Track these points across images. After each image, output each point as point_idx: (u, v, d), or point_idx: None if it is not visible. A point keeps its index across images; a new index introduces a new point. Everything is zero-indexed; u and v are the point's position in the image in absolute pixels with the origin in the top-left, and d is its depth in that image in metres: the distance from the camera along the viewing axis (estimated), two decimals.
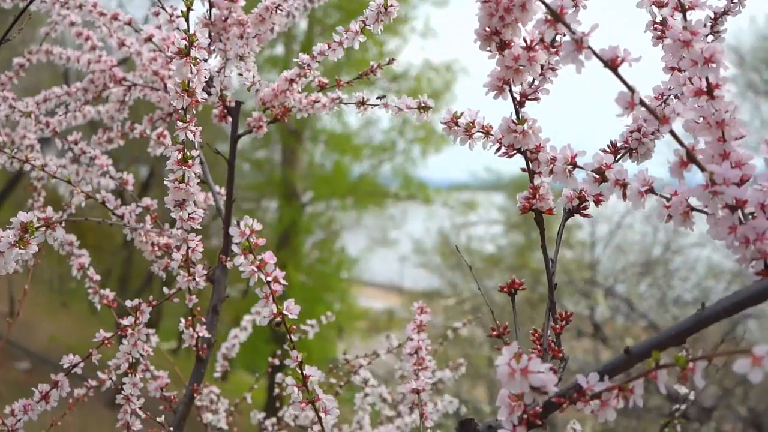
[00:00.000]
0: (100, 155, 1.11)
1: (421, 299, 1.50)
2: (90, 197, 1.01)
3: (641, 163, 0.71)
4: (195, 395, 1.00)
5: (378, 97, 0.93)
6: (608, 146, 0.70)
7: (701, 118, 0.54)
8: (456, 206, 11.15)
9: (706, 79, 0.54)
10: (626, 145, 0.69)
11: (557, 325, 0.64)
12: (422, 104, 0.85)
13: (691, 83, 0.56)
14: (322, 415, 0.65)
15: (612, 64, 0.51)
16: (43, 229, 0.67)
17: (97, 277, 1.11)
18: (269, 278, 0.63)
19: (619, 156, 0.69)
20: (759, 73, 9.19)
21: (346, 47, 0.90)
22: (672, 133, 0.51)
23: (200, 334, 0.98)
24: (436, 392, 1.81)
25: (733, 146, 0.54)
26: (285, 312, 0.63)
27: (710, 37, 0.72)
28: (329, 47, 0.91)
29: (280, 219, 11.13)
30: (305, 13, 1.13)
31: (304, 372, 0.65)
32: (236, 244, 0.61)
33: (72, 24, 1.21)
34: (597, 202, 0.68)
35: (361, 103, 0.96)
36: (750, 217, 0.52)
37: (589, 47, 0.51)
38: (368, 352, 1.34)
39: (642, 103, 0.51)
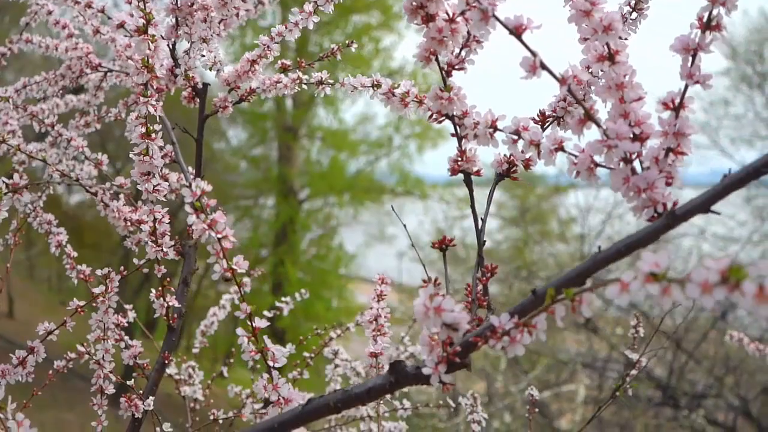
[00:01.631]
0: (76, 137, 1.16)
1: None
2: (65, 175, 1.06)
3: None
4: (166, 362, 1.05)
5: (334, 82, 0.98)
6: (537, 115, 0.75)
7: (603, 82, 0.60)
8: (452, 202, 11.20)
9: (607, 45, 0.59)
10: (554, 114, 0.75)
11: (484, 277, 0.70)
12: (375, 83, 0.90)
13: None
14: (270, 363, 0.70)
15: (517, 31, 0.56)
16: (10, 194, 0.72)
17: (75, 254, 1.16)
18: (220, 236, 0.68)
19: (547, 123, 0.75)
20: (752, 65, 9.23)
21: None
22: (570, 92, 0.57)
23: (170, 304, 1.04)
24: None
25: (633, 107, 0.59)
26: (234, 266, 0.69)
27: (634, 14, 0.78)
28: (286, 28, 0.97)
29: (277, 216, 11.18)
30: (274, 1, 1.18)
31: (254, 324, 0.71)
32: (188, 203, 0.67)
33: (49, 13, 1.26)
34: (526, 167, 0.73)
35: (320, 83, 1.01)
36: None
37: (494, 16, 0.56)
38: (340, 328, 1.40)
39: (542, 65, 0.56)
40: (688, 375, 6.27)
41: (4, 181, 0.71)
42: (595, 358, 6.56)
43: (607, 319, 7.22)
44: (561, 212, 9.80)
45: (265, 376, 0.71)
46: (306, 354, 1.36)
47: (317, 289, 10.65)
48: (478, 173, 0.71)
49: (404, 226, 0.87)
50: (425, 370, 0.60)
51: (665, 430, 6.14)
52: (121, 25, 1.11)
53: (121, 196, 1.10)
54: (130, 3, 1.14)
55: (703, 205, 0.53)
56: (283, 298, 1.45)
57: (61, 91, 1.26)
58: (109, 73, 1.26)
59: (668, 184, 0.57)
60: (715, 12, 0.57)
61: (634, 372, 1.11)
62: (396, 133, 12.31)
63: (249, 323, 0.71)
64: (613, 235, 7.42)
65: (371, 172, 12.39)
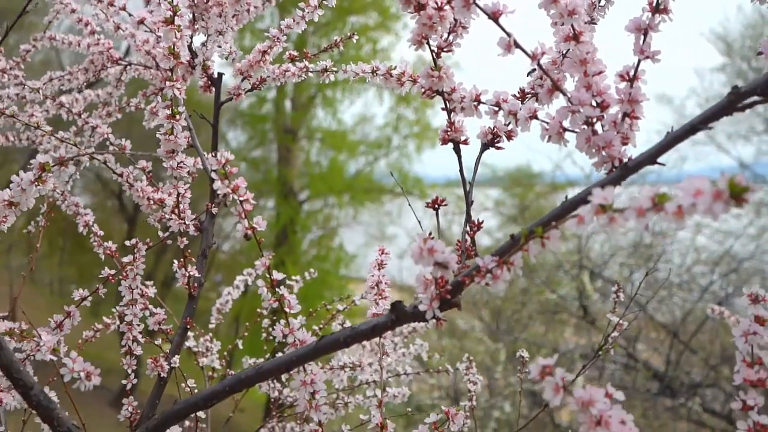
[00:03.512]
0: (101, 125, 1.26)
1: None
2: (93, 158, 1.16)
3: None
4: (188, 327, 1.15)
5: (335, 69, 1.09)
6: (518, 91, 0.85)
7: (569, 59, 0.70)
8: (452, 201, 11.29)
9: (572, 27, 0.70)
10: (532, 91, 0.85)
11: (472, 231, 0.80)
12: (375, 68, 1.00)
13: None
14: (287, 309, 0.81)
15: (494, 15, 0.67)
16: (57, 167, 0.83)
17: (101, 233, 1.26)
18: (242, 198, 0.78)
19: (526, 99, 0.85)
20: (747, 61, 9.32)
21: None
22: (540, 67, 0.67)
23: (191, 274, 1.14)
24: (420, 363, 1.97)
25: (595, 79, 0.70)
26: (255, 225, 0.79)
27: (603, 1, 0.88)
28: (294, 20, 1.07)
29: (277, 217, 11.28)
30: None
31: (272, 276, 0.81)
32: (214, 171, 0.77)
33: (73, 11, 1.37)
34: (509, 137, 0.84)
35: (325, 70, 1.12)
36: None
37: (475, 3, 0.66)
38: (346, 300, 1.50)
39: (516, 44, 0.66)
40: (684, 365, 6.37)
41: (51, 155, 0.81)
42: (594, 350, 6.66)
43: (605, 312, 7.33)
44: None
45: (283, 321, 0.81)
46: (315, 327, 1.46)
47: (318, 289, 10.73)
48: (465, 142, 0.81)
49: (419, 222, 0.93)
50: (421, 307, 0.70)
51: (663, 419, 6.25)
52: (142, 21, 1.22)
53: (143, 177, 1.21)
54: (149, 2, 1.25)
55: (651, 158, 0.63)
56: (293, 277, 1.56)
57: (84, 84, 1.37)
58: (128, 67, 1.36)
59: (624, 143, 0.68)
60: None
61: (615, 334, 1.21)
62: (395, 133, 12.42)
63: (268, 276, 0.81)
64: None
65: (370, 173, 12.49)
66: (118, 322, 1.24)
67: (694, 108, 9.23)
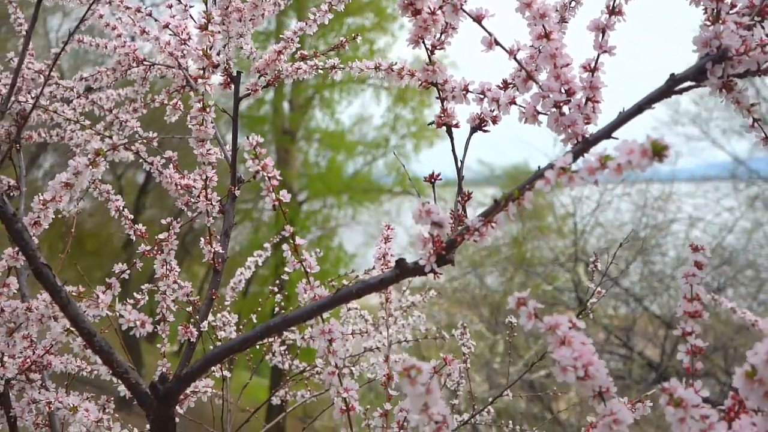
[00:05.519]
0: (131, 119, 1.40)
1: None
2: (127, 149, 1.30)
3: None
4: (213, 297, 1.30)
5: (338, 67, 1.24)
6: (501, 82, 1.00)
7: (540, 53, 0.85)
8: (450, 200, 11.43)
9: (543, 27, 0.84)
10: (513, 82, 0.99)
11: (462, 200, 0.95)
12: (377, 65, 1.14)
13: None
14: (308, 269, 0.95)
15: (478, 18, 0.81)
16: (111, 151, 0.97)
17: (131, 216, 1.40)
18: (270, 175, 0.93)
19: (508, 88, 0.99)
20: None
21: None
22: (516, 60, 0.81)
23: (216, 250, 1.28)
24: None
25: (563, 71, 0.84)
26: (281, 197, 0.93)
27: (573, 3, 1.03)
28: (306, 24, 1.22)
29: (277, 218, 11.42)
30: (290, 1, 1.43)
31: (295, 241, 0.95)
32: (246, 151, 0.91)
33: (101, 16, 1.51)
34: (494, 122, 0.98)
35: (333, 68, 1.26)
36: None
37: (462, 9, 0.81)
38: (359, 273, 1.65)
39: (497, 42, 0.81)
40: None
41: (105, 142, 0.96)
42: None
43: (603, 307, 7.49)
44: (557, 209, 10.04)
45: (304, 280, 0.95)
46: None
47: None
48: (456, 125, 0.95)
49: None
50: (421, 262, 0.85)
51: (659, 409, 6.39)
52: (166, 26, 1.37)
53: (170, 165, 1.35)
54: (171, 7, 1.39)
55: (606, 133, 0.78)
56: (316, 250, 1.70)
57: (112, 83, 1.51)
58: (152, 67, 1.50)
59: (587, 123, 0.82)
60: (618, 2, 0.82)
61: (593, 300, 1.35)
62: (392, 133, 12.57)
63: (292, 241, 0.95)
64: (604, 221, 7.67)
65: (368, 173, 12.63)
66: (147, 298, 1.38)
67: (689, 103, 9.38)
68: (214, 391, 1.60)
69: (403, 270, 0.88)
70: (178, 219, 1.23)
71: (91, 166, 0.98)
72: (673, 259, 7.84)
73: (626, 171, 0.62)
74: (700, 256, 0.83)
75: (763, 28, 0.77)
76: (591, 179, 0.65)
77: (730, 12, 0.77)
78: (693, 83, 0.76)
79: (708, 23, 0.75)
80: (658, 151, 0.58)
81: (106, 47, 1.55)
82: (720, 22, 0.74)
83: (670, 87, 0.75)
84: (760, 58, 0.74)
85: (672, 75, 0.75)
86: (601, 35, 0.83)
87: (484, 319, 7.98)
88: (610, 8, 0.83)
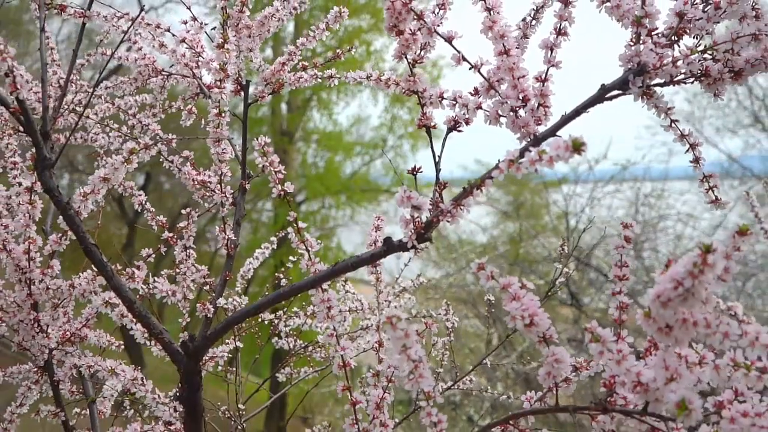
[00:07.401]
0: (152, 123, 1.59)
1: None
2: (148, 148, 1.48)
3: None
4: (227, 279, 1.48)
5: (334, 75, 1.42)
6: (473, 89, 1.18)
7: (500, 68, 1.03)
8: (448, 199, 11.57)
9: (503, 45, 1.02)
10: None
11: (440, 188, 1.13)
12: (369, 74, 1.33)
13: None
14: (309, 248, 1.13)
15: (449, 39, 1.00)
16: (143, 150, 1.15)
17: (153, 210, 1.59)
18: (276, 169, 1.11)
19: (478, 95, 1.17)
20: None
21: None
22: (480, 73, 1.00)
23: (229, 237, 1.46)
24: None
25: (520, 81, 1.02)
26: (286, 188, 1.12)
27: (534, 21, 1.21)
28: (307, 39, 1.40)
29: (276, 219, 11.59)
30: (291, 17, 1.61)
31: (298, 225, 1.14)
32: (256, 150, 1.10)
33: (124, 32, 1.69)
34: (467, 123, 1.16)
35: (331, 77, 1.45)
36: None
37: (436, 32, 0.99)
38: None
39: (464, 58, 0.99)
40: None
41: (137, 142, 1.14)
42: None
43: (595, 302, 7.68)
44: (553, 207, 10.22)
45: (306, 256, 1.14)
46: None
47: None
48: (434, 126, 1.14)
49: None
50: (404, 239, 1.03)
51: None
52: (183, 40, 1.55)
53: (188, 163, 1.53)
54: (186, 23, 1.58)
55: (551, 132, 0.96)
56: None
57: (135, 90, 1.69)
58: (169, 76, 1.69)
59: (538, 124, 1.00)
60: (563, 24, 1.01)
61: (561, 280, 1.53)
62: (390, 133, 12.75)
63: (295, 225, 1.14)
64: (594, 217, 7.85)
65: (366, 173, 12.80)
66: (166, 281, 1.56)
67: (682, 102, 9.55)
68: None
69: (390, 246, 1.06)
70: (190, 211, 1.41)
71: (126, 163, 1.16)
72: (665, 255, 8.03)
73: (556, 162, 0.80)
74: (629, 232, 1.01)
75: (678, 45, 0.95)
76: (532, 168, 0.83)
77: (654, 32, 0.96)
78: (620, 91, 0.94)
79: (631, 43, 0.93)
80: (577, 146, 0.77)
81: (127, 60, 1.73)
82: (640, 42, 0.93)
83: (602, 94, 0.94)
84: (672, 71, 0.92)
85: (603, 85, 0.94)
86: (549, 52, 1.01)
87: (480, 316, 8.16)
88: (558, 30, 1.01)
